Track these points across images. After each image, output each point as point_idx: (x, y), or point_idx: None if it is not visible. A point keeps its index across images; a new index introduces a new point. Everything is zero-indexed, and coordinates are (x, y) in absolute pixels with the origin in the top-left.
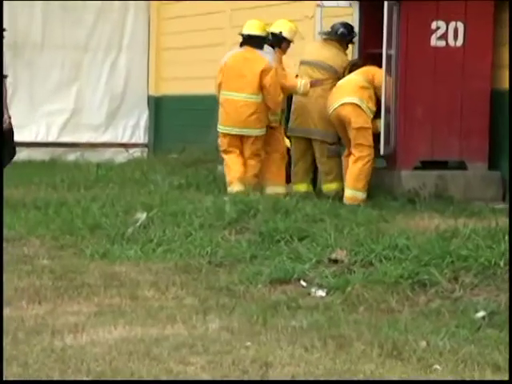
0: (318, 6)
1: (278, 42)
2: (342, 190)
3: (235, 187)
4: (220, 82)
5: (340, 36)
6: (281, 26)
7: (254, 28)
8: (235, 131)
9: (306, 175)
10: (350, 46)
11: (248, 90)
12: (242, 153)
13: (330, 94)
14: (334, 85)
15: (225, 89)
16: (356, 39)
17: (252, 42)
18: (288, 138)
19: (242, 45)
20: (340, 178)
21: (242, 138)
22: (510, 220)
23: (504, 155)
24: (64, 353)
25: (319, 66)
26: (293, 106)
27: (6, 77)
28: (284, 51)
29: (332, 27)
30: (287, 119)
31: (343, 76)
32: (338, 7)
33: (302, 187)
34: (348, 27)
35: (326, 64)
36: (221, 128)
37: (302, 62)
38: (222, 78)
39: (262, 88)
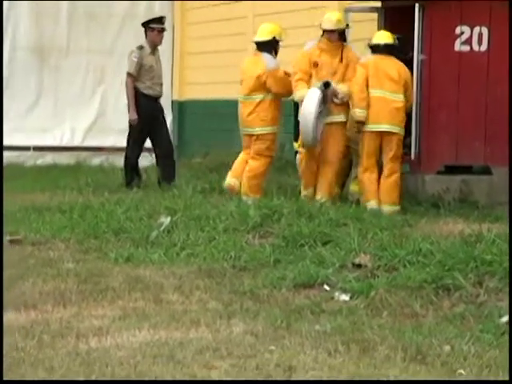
0: (346, 11)
1: (272, 47)
2: None
3: (226, 180)
4: None
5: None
6: (271, 31)
7: (260, 33)
8: (242, 131)
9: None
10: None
11: (245, 91)
12: None
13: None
14: None
15: (239, 92)
16: None
17: (259, 46)
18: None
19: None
20: None
21: (250, 138)
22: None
23: None
24: (89, 356)
25: None
26: None
27: None
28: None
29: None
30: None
31: None
32: (364, 12)
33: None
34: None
35: None
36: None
37: None
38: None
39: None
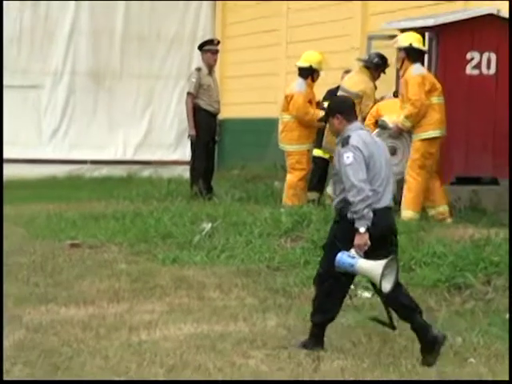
0: (369, 38)
1: (308, 74)
2: None
3: None
4: None
5: (375, 65)
6: (309, 59)
7: (301, 59)
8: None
9: None
10: (382, 74)
11: (280, 110)
12: None
13: None
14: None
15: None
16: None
17: (298, 71)
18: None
19: None
20: None
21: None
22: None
23: None
24: (140, 347)
25: (347, 92)
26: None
27: None
28: (314, 81)
29: (369, 56)
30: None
31: (373, 100)
32: (385, 39)
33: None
34: (383, 58)
35: (349, 91)
36: None
37: (340, 88)
38: None
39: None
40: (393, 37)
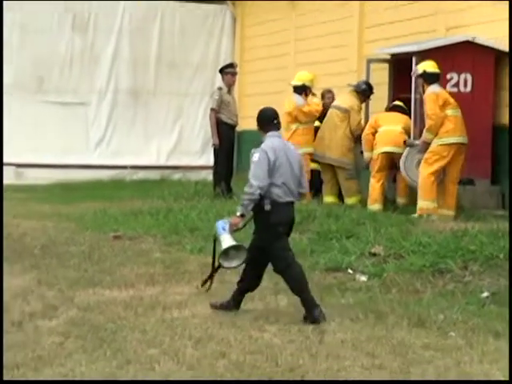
0: (367, 62)
1: (302, 90)
2: (360, 202)
3: None
4: None
5: (362, 90)
6: (302, 78)
7: (295, 79)
8: None
9: (334, 190)
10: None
11: (284, 123)
12: None
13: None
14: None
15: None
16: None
17: (294, 89)
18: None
19: None
20: (358, 193)
21: None
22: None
23: (503, 174)
24: (172, 323)
25: (338, 107)
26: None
27: None
28: (307, 96)
29: (358, 83)
30: None
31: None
32: (381, 62)
33: (330, 199)
34: (369, 85)
35: (340, 106)
36: None
37: (332, 105)
38: None
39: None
40: (386, 60)
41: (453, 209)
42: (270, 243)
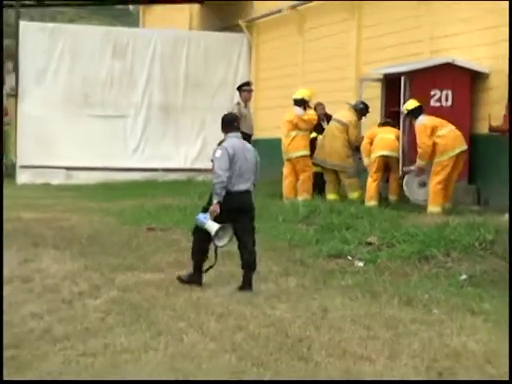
0: (360, 80)
1: (301, 103)
2: (361, 196)
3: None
4: None
5: (360, 109)
6: (302, 94)
7: (296, 94)
8: (285, 157)
9: (336, 189)
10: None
11: (285, 131)
12: None
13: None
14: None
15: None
16: (380, 102)
17: (294, 102)
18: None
19: None
20: (360, 188)
21: (291, 161)
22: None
23: (478, 175)
24: (198, 301)
25: (338, 121)
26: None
27: None
28: (307, 109)
29: (356, 102)
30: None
31: (357, 130)
32: (373, 83)
33: (332, 196)
34: (366, 105)
35: (340, 120)
36: None
37: (333, 118)
38: None
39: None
40: (378, 79)
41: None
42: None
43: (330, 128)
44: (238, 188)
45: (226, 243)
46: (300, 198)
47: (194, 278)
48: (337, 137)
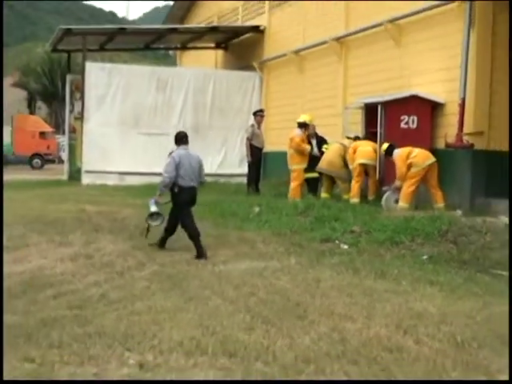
0: (345, 108)
1: (303, 126)
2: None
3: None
4: None
5: (353, 138)
6: (303, 118)
7: (299, 118)
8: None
9: (329, 190)
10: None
11: (288, 147)
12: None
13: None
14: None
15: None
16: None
17: (297, 124)
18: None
19: None
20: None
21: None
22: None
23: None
24: (219, 273)
25: (341, 143)
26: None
27: None
28: (307, 130)
29: (354, 135)
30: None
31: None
32: (356, 110)
33: (325, 195)
34: (357, 137)
35: (344, 144)
36: None
37: (337, 141)
38: None
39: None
40: (359, 107)
41: (443, 202)
42: (179, 211)
43: (334, 147)
44: (189, 184)
45: (158, 224)
46: (292, 199)
47: (202, 251)
48: (337, 154)
